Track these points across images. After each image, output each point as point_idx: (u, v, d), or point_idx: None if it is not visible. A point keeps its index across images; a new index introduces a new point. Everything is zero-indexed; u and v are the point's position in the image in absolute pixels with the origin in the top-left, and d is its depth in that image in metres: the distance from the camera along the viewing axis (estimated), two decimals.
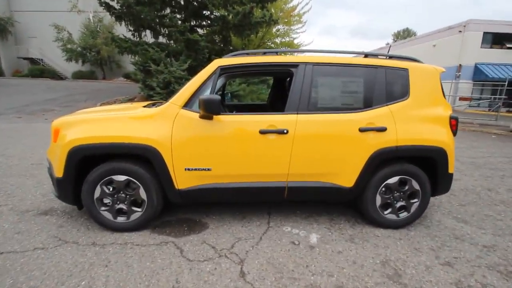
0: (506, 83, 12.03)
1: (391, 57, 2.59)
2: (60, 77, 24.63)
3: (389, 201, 2.55)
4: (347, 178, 2.43)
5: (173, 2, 12.26)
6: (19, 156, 4.92)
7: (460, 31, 22.02)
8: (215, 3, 11.58)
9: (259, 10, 12.53)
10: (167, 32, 12.11)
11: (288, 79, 3.12)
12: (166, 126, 2.25)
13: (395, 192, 2.54)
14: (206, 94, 2.31)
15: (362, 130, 2.34)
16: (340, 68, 2.43)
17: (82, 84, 21.11)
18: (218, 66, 2.36)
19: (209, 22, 13.06)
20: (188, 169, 2.30)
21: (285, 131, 2.28)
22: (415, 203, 2.58)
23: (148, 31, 12.84)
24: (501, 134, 9.39)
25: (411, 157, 2.51)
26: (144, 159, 2.28)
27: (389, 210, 2.58)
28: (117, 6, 11.82)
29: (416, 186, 2.54)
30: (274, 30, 16.37)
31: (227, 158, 2.30)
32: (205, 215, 2.79)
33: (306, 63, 2.39)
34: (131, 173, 2.28)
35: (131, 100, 13.49)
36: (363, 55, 2.59)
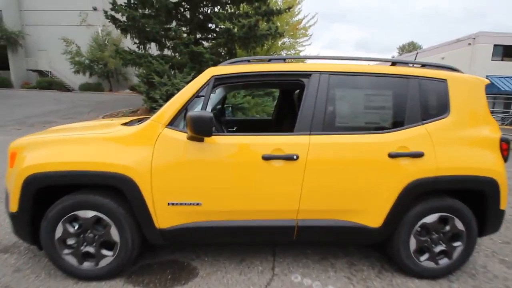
0: None
1: (424, 66, 2.13)
2: (68, 89, 24.83)
3: (426, 244, 2.02)
4: (373, 216, 1.92)
5: (178, 15, 12.21)
6: (2, 173, 4.52)
7: (469, 44, 21.65)
8: (221, 16, 11.47)
9: (265, 23, 12.38)
10: (172, 45, 12.00)
11: (298, 91, 2.67)
12: (145, 150, 1.80)
13: (434, 233, 2.01)
14: (197, 110, 1.87)
15: (392, 155, 1.85)
16: (363, 78, 1.97)
17: (88, 96, 21.16)
18: (212, 76, 1.93)
19: (214, 35, 12.95)
20: (172, 204, 1.82)
21: (294, 157, 1.81)
22: (459, 247, 2.05)
23: (153, 44, 12.80)
24: None
25: (453, 190, 2.00)
26: (117, 190, 1.82)
27: (426, 255, 2.04)
28: (122, 19, 11.80)
29: (459, 226, 2.01)
30: (279, 43, 16.21)
31: (221, 190, 1.83)
32: (195, 256, 2.28)
33: (320, 72, 1.94)
34: (101, 208, 1.82)
35: (134, 112, 13.30)
36: (390, 63, 2.13)
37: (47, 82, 24.29)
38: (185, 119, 1.82)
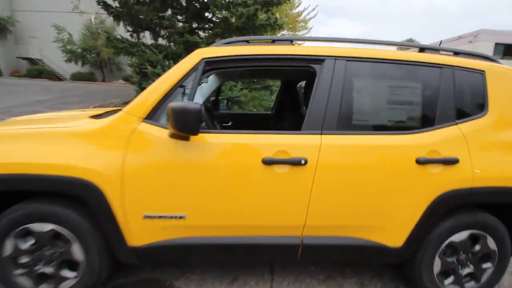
0: None
1: (457, 53, 1.78)
2: (59, 78, 24.04)
3: (452, 266, 1.71)
4: (394, 234, 1.60)
5: (174, 3, 11.66)
6: None
7: (470, 41, 21.43)
8: (218, 4, 10.96)
9: (264, 14, 11.91)
10: (166, 34, 11.50)
11: (305, 82, 2.31)
12: (115, 149, 1.44)
13: (462, 253, 1.70)
14: (184, 100, 1.51)
15: (421, 162, 1.51)
16: (387, 66, 1.62)
17: (80, 85, 20.46)
18: (202, 59, 1.55)
19: (211, 25, 12.45)
20: (149, 217, 1.47)
21: (302, 162, 1.46)
22: (488, 269, 1.74)
23: (147, 33, 12.26)
24: None
25: (488, 203, 1.68)
26: (80, 199, 1.46)
27: (451, 279, 1.74)
28: (114, 5, 11.23)
29: (492, 245, 1.70)
30: (279, 35, 15.76)
31: (210, 201, 1.49)
32: (180, 273, 1.94)
33: (336, 58, 1.58)
34: (59, 220, 1.46)
35: (126, 103, 12.81)
36: (418, 49, 1.78)
37: (38, 71, 23.46)
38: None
